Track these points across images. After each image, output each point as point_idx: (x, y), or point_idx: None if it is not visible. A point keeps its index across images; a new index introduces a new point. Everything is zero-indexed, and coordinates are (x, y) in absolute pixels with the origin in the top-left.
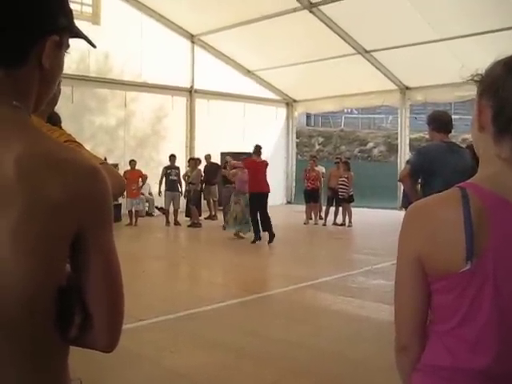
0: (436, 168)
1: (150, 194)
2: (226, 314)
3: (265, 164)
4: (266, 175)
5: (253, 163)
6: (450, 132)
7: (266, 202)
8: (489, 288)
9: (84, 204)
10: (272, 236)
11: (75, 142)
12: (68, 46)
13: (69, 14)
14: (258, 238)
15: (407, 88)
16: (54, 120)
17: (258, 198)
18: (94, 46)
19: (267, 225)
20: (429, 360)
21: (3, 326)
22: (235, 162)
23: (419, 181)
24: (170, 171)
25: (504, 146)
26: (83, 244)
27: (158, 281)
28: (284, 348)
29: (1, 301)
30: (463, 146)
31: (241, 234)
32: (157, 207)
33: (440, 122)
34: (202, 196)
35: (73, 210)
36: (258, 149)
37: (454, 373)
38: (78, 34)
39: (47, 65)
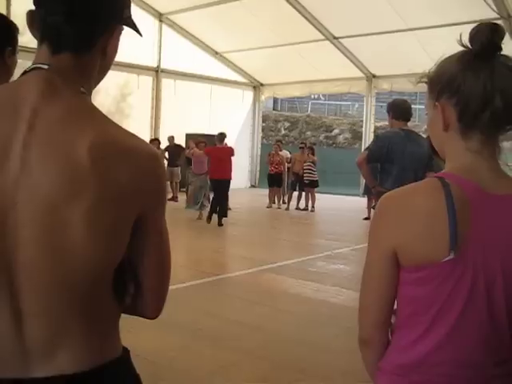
0: (393, 155)
1: None
2: (184, 296)
3: (228, 150)
4: (229, 162)
5: (214, 150)
6: (409, 120)
7: (226, 188)
8: (467, 278)
9: (147, 189)
10: (221, 219)
11: None
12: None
13: (130, 5)
14: (209, 218)
15: (374, 76)
16: None
17: (219, 184)
18: (141, 34)
19: (222, 210)
20: (394, 359)
21: (75, 295)
22: (195, 150)
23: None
24: None
25: (473, 140)
26: (143, 224)
27: None
28: (241, 330)
29: (75, 276)
30: (425, 135)
31: (202, 215)
32: None
33: (399, 110)
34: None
35: (138, 194)
36: (220, 136)
37: (423, 372)
38: (133, 24)
39: (111, 52)
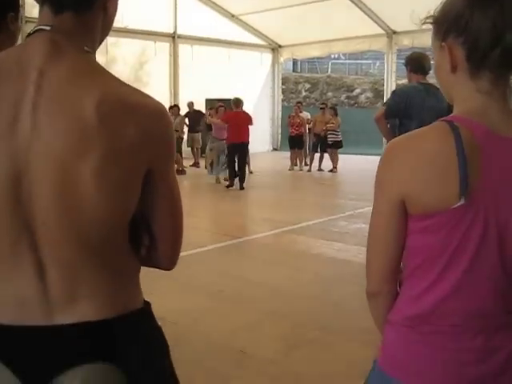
0: (412, 110)
1: None
2: (206, 259)
3: (245, 117)
4: (247, 126)
5: (231, 115)
6: (428, 74)
7: (245, 152)
8: (479, 224)
9: (155, 142)
10: (242, 183)
11: None
12: None
13: None
14: (231, 184)
15: (394, 32)
16: None
17: (237, 147)
18: None
19: (242, 174)
20: (403, 310)
21: (93, 248)
22: (214, 120)
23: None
24: None
25: (483, 80)
26: (152, 177)
27: None
28: (262, 291)
29: (90, 228)
30: None
31: (220, 179)
32: None
33: (417, 63)
34: (186, 143)
35: (146, 148)
36: (236, 101)
37: (433, 322)
38: None
39: (111, 9)
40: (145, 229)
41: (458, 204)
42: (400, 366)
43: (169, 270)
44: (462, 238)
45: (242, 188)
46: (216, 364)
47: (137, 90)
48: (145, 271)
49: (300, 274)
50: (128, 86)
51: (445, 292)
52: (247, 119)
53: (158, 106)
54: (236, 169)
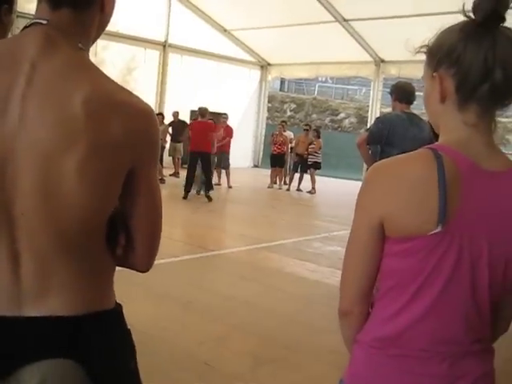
0: (394, 137)
1: None
2: (179, 269)
3: (207, 125)
4: (209, 136)
5: (194, 124)
6: (412, 103)
7: (207, 162)
8: (453, 252)
9: (139, 142)
10: (206, 192)
11: None
12: None
13: None
14: (185, 196)
15: (382, 61)
16: None
17: (196, 157)
18: None
19: (208, 184)
20: (373, 331)
21: (70, 243)
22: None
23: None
24: None
25: (470, 113)
26: (134, 177)
27: None
28: (232, 305)
29: (68, 222)
30: (425, 118)
31: (200, 191)
32: None
33: (402, 92)
34: (168, 152)
35: (130, 147)
36: (200, 110)
37: (400, 345)
38: None
39: (108, 8)
40: (122, 228)
41: (436, 231)
42: None
43: (144, 272)
44: (437, 264)
45: (207, 197)
46: (180, 375)
47: (125, 88)
48: (116, 277)
49: (271, 292)
50: (117, 84)
51: (416, 315)
52: (209, 128)
53: (146, 106)
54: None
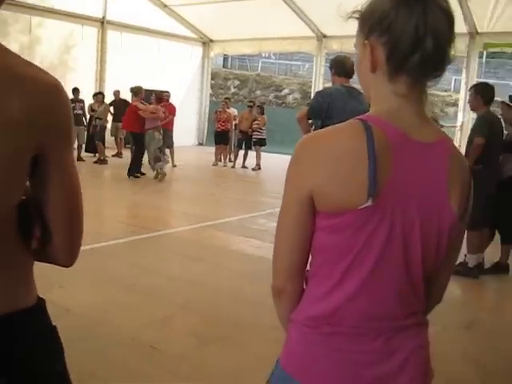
0: (334, 111)
1: None
2: (121, 251)
3: (132, 106)
4: (133, 115)
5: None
6: (351, 77)
7: (136, 141)
8: (384, 226)
9: (45, 123)
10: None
11: None
12: None
13: None
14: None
15: (324, 36)
16: None
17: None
18: None
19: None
20: (306, 310)
21: None
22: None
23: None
24: (74, 105)
25: (400, 83)
26: (43, 162)
27: None
28: (177, 285)
29: None
30: None
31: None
32: None
33: (342, 66)
34: (110, 132)
35: (33, 128)
36: (132, 90)
37: (333, 323)
38: None
39: None
40: (37, 219)
41: (366, 205)
42: (300, 366)
43: (67, 266)
44: (367, 239)
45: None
46: (124, 359)
47: (32, 64)
48: None
49: (217, 270)
50: (22, 58)
51: (348, 293)
52: (132, 107)
53: (53, 81)
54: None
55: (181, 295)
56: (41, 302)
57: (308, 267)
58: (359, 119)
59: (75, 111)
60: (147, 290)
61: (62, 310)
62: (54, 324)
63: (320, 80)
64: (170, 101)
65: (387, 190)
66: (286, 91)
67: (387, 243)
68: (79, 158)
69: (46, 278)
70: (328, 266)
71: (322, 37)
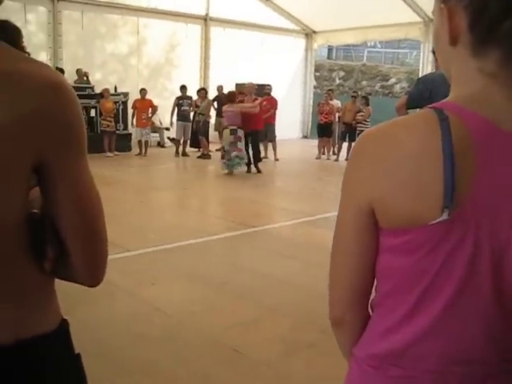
0: (437, 99)
1: (161, 124)
2: (215, 248)
3: (147, 102)
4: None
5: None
6: None
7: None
8: (467, 246)
9: (40, 127)
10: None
11: None
12: None
13: None
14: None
15: (431, 20)
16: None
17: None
18: None
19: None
20: (368, 346)
21: None
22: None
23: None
24: (181, 101)
25: (489, 58)
26: (47, 173)
27: (155, 212)
28: (269, 284)
29: None
30: None
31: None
32: (169, 138)
33: None
34: (213, 127)
35: (29, 133)
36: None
37: (405, 366)
38: None
39: None
40: (50, 236)
41: (440, 219)
42: None
43: (92, 286)
44: (445, 264)
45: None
46: (204, 363)
47: (33, 59)
48: (151, 258)
49: (310, 268)
50: (18, 53)
51: (420, 329)
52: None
53: (53, 78)
54: None
55: (270, 296)
56: (64, 324)
57: (373, 294)
58: (433, 107)
59: (182, 108)
60: (236, 290)
61: (151, 308)
62: (77, 352)
63: (428, 67)
64: (272, 94)
65: (470, 199)
66: (392, 80)
67: (471, 269)
68: (184, 154)
69: (138, 275)
70: (395, 295)
71: (429, 21)
